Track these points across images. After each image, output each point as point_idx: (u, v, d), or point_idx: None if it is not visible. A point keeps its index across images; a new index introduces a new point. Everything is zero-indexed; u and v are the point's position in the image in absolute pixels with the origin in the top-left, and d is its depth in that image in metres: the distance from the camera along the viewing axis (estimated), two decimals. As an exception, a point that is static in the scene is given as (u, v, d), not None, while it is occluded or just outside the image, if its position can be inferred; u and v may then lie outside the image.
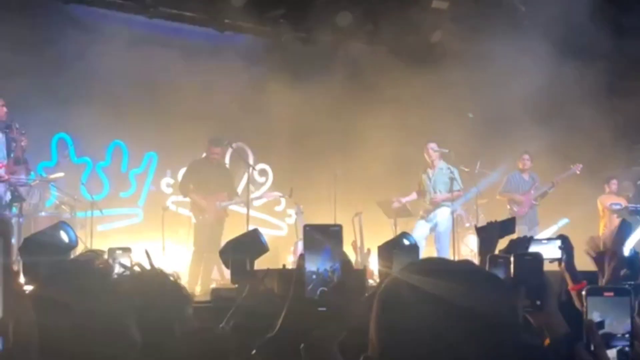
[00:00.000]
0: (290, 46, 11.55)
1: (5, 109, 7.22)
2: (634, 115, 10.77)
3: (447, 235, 9.92)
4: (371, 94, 11.04)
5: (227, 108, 10.47)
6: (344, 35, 11.18)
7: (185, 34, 11.16)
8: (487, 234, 3.25)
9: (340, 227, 1.66)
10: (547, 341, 2.03)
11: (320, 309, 1.60)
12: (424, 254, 8.53)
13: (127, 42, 9.79)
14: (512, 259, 2.17)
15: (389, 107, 10.62)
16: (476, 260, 3.38)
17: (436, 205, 9.86)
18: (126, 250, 3.05)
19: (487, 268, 2.27)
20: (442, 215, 9.87)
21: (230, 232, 8.41)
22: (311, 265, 1.62)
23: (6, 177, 6.88)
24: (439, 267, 1.33)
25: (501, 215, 10.67)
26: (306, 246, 1.64)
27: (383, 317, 1.23)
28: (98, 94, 9.58)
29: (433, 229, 9.88)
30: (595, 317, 1.57)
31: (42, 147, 9.75)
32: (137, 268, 2.02)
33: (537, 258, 2.16)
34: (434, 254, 9.48)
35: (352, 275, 1.62)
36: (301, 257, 1.64)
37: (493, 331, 1.19)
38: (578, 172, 10.64)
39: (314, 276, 1.61)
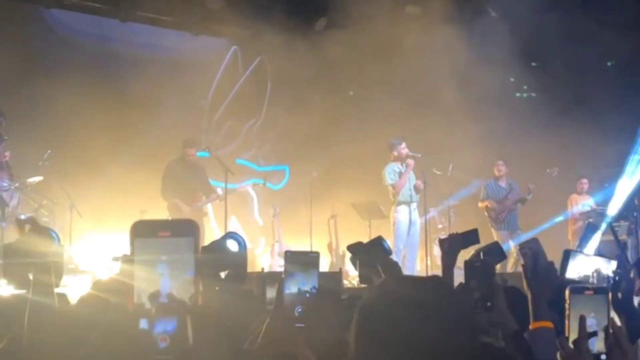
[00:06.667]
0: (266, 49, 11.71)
1: None
2: (598, 118, 11.04)
3: None
4: (345, 95, 11.21)
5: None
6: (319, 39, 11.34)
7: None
8: (449, 245, 3.37)
9: (317, 254, 1.87)
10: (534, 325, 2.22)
11: (298, 325, 1.79)
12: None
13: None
14: (464, 266, 2.43)
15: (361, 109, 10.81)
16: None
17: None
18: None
19: (464, 275, 2.46)
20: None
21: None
22: (291, 287, 1.81)
23: None
24: (410, 282, 1.55)
25: (472, 217, 10.98)
26: (287, 269, 1.83)
27: (364, 326, 1.43)
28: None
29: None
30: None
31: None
32: None
33: (487, 265, 2.41)
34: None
35: (326, 294, 1.82)
36: (281, 281, 1.84)
37: (452, 334, 1.39)
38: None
39: (294, 297, 1.81)
